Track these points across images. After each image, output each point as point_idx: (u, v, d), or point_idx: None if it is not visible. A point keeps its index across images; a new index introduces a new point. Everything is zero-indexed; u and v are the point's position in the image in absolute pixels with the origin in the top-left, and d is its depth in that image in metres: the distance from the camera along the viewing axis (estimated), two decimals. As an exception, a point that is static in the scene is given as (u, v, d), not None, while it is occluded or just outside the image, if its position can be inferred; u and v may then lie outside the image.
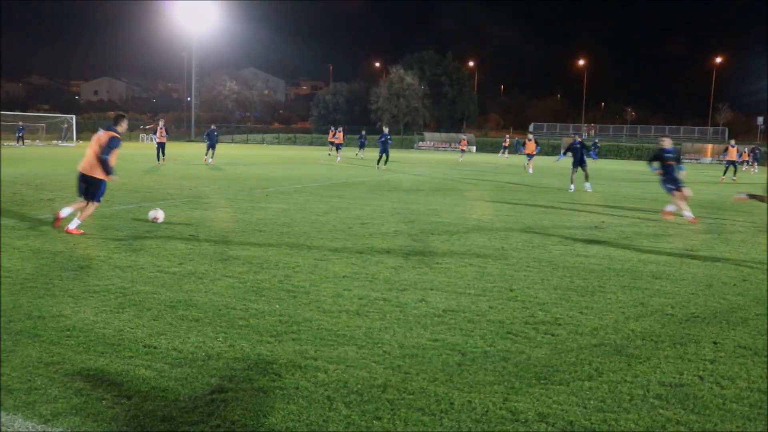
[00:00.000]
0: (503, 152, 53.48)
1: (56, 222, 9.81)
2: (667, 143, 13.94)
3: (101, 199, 10.16)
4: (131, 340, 5.05)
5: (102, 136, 9.83)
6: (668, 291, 7.26)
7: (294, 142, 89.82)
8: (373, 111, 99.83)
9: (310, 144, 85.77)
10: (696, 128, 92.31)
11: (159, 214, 11.06)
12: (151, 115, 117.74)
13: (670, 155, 13.78)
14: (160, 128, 30.65)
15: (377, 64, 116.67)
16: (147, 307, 5.99)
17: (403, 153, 63.92)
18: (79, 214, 9.90)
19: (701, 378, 4.69)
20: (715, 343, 5.48)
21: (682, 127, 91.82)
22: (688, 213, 13.48)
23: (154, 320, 5.59)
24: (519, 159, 50.95)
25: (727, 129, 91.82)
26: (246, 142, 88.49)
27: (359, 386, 4.29)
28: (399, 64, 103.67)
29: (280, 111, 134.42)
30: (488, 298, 6.61)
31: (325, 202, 14.88)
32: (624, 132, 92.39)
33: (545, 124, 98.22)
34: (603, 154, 67.48)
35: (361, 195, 16.89)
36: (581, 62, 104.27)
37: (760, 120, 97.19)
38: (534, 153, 32.91)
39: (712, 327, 5.94)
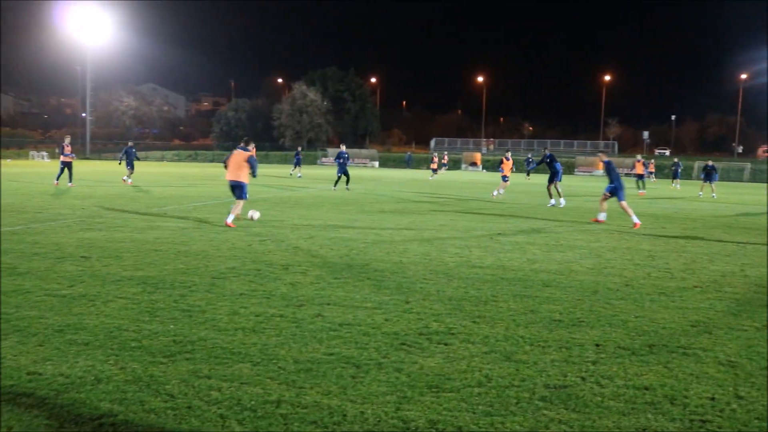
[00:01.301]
0: (433, 174, 52.43)
1: (228, 225, 13.67)
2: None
3: (247, 197, 14.33)
4: (13, 368, 4.85)
5: (240, 155, 14.07)
6: (557, 298, 7.59)
7: (195, 159, 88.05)
8: (276, 127, 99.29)
9: (212, 161, 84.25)
10: (588, 142, 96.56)
11: (255, 215, 14.55)
12: (42, 131, 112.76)
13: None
14: (66, 145, 26.72)
15: (280, 80, 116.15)
16: (32, 332, 5.75)
17: (307, 169, 63.72)
18: (233, 209, 14.08)
19: (583, 379, 4.94)
20: (597, 345, 5.78)
21: (575, 141, 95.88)
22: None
23: (39, 346, 5.38)
24: (446, 175, 51.63)
25: (616, 142, 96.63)
26: (145, 159, 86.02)
27: (253, 403, 4.29)
28: (302, 80, 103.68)
29: (181, 127, 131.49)
30: (384, 311, 6.72)
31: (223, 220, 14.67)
32: (522, 146, 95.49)
33: (446, 139, 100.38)
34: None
35: (262, 212, 16.74)
36: (481, 79, 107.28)
37: (646, 134, 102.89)
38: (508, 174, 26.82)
39: (596, 330, 6.25)
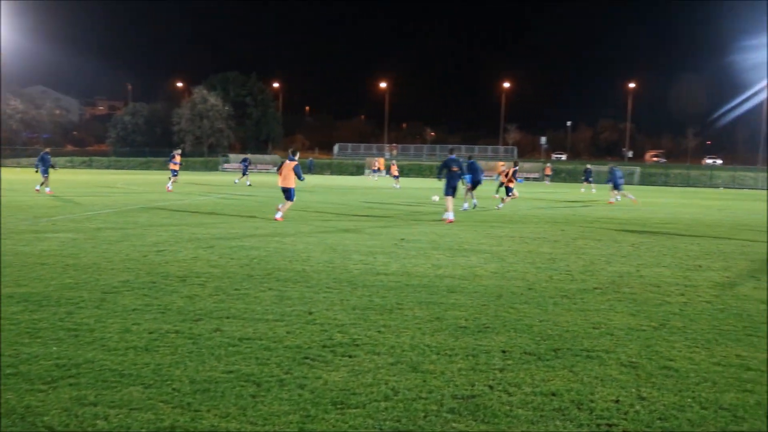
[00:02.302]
0: (374, 175, 51.08)
1: (277, 219, 16.83)
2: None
3: (294, 199, 17.59)
4: None
5: (289, 164, 17.18)
6: (462, 304, 7.54)
7: (90, 166, 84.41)
8: (176, 132, 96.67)
9: (108, 167, 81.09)
10: (489, 147, 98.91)
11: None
12: None
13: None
14: None
15: (180, 84, 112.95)
16: None
17: (208, 176, 62.34)
18: (281, 207, 17.33)
19: (491, 387, 4.86)
20: (504, 351, 5.73)
21: (476, 146, 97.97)
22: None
23: None
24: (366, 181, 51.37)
25: (516, 148, 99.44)
26: (35, 166, 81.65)
27: (143, 430, 3.96)
28: (202, 84, 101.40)
29: (74, 132, 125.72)
30: (286, 323, 6.47)
31: (119, 230, 13.98)
32: (424, 151, 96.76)
33: (350, 145, 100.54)
34: (405, 173, 70.05)
35: (159, 221, 16.09)
36: (383, 84, 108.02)
37: (544, 140, 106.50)
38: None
39: (502, 336, 6.22)
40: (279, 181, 17.43)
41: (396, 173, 45.20)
